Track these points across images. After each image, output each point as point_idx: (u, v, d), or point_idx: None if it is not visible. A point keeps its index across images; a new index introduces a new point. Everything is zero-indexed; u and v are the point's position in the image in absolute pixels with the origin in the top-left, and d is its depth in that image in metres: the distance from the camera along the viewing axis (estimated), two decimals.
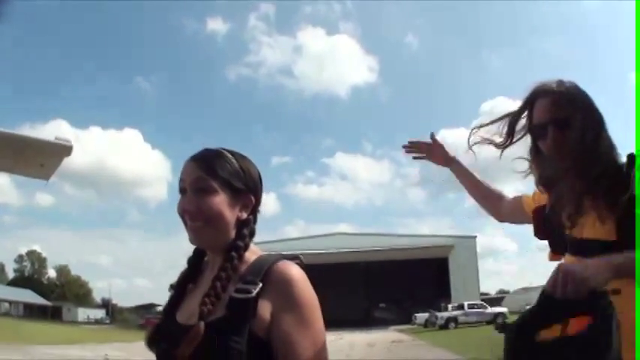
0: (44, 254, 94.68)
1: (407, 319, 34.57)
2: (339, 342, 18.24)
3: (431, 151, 2.07)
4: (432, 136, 2.07)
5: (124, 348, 18.20)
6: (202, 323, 1.04)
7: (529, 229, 1.75)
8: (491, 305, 34.06)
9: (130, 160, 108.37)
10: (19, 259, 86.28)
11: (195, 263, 1.26)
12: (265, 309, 1.07)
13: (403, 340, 21.24)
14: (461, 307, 31.40)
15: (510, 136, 1.65)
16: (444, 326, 29.66)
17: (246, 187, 1.19)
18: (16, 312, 60.22)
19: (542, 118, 1.52)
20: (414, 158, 2.11)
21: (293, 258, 1.16)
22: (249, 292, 1.06)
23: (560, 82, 1.52)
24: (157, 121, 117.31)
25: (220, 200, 1.15)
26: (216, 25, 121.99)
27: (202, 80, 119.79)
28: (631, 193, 1.38)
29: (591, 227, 1.46)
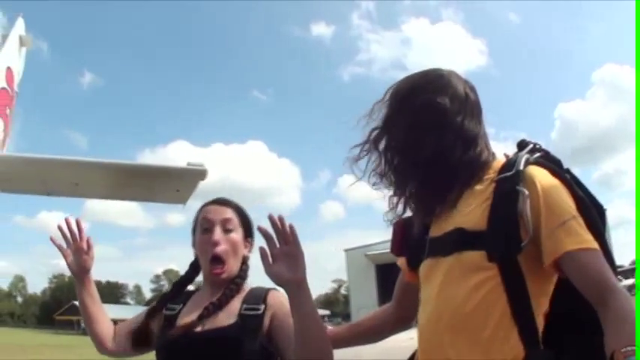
0: (182, 272, 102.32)
1: None
2: None
3: None
4: None
5: None
6: (197, 317, 1.40)
7: None
8: (626, 277, 30.46)
9: (259, 171, 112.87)
10: (156, 279, 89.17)
11: (191, 278, 1.61)
12: (267, 322, 1.40)
13: None
14: None
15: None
16: None
17: (250, 231, 1.55)
18: None
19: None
20: None
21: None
22: (257, 310, 1.40)
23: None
24: (279, 131, 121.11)
25: (240, 238, 1.51)
26: (321, 29, 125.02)
27: (317, 84, 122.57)
28: (516, 172, 1.17)
29: (454, 218, 1.21)
